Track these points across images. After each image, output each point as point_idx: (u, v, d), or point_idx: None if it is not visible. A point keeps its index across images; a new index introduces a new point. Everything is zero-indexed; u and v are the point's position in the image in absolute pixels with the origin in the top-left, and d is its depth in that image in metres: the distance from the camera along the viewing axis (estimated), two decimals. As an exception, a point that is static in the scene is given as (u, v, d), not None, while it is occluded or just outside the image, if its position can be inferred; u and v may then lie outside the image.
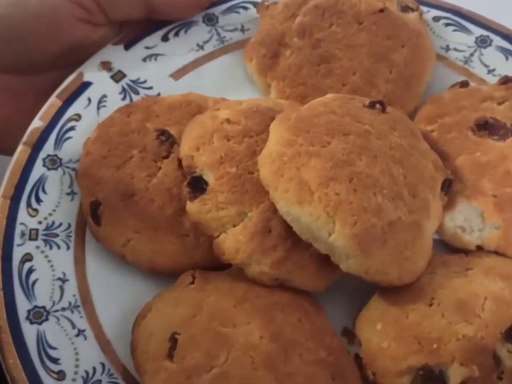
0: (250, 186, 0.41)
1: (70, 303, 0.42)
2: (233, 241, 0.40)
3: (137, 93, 0.51)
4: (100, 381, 0.39)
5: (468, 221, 0.45)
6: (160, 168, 0.45)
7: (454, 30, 0.54)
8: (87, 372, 0.40)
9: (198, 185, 0.42)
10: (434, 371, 0.38)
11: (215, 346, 0.38)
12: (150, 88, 0.52)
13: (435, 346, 0.38)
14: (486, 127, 0.46)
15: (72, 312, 0.42)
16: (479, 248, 0.44)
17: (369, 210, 0.39)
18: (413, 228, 0.40)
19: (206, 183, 0.42)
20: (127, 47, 0.52)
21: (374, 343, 0.40)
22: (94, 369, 0.40)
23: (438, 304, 0.40)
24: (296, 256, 0.41)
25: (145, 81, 0.52)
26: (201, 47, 0.54)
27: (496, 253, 0.44)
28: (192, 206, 0.41)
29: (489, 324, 0.38)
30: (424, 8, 0.54)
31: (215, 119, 0.44)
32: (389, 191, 0.40)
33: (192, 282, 0.42)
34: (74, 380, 0.39)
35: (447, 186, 0.44)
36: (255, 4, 0.55)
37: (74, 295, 0.42)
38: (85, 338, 0.41)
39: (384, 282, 0.40)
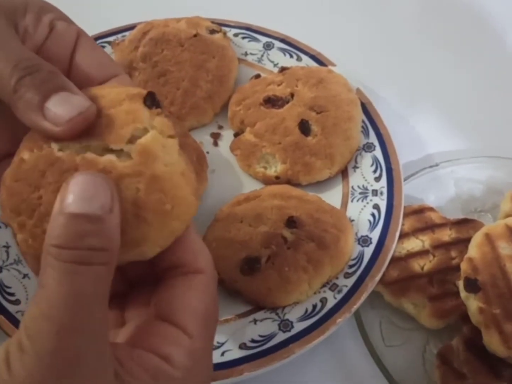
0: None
1: (14, 260, 0.63)
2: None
3: None
4: (44, 301, 0.61)
5: (268, 162, 0.69)
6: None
7: (249, 41, 0.78)
8: (34, 298, 0.61)
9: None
10: (252, 257, 0.61)
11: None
12: None
13: (249, 243, 0.61)
14: (270, 101, 0.70)
15: (17, 264, 0.63)
16: (278, 177, 0.68)
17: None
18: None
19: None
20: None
21: (213, 254, 0.63)
22: (39, 295, 0.61)
23: (245, 220, 0.63)
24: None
25: None
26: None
27: (288, 180, 0.68)
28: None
29: (276, 221, 0.62)
30: (226, 29, 0.79)
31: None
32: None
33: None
34: (26, 303, 0.60)
35: (249, 142, 0.68)
36: (109, 43, 0.78)
37: (16, 255, 0.63)
38: (29, 278, 0.62)
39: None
